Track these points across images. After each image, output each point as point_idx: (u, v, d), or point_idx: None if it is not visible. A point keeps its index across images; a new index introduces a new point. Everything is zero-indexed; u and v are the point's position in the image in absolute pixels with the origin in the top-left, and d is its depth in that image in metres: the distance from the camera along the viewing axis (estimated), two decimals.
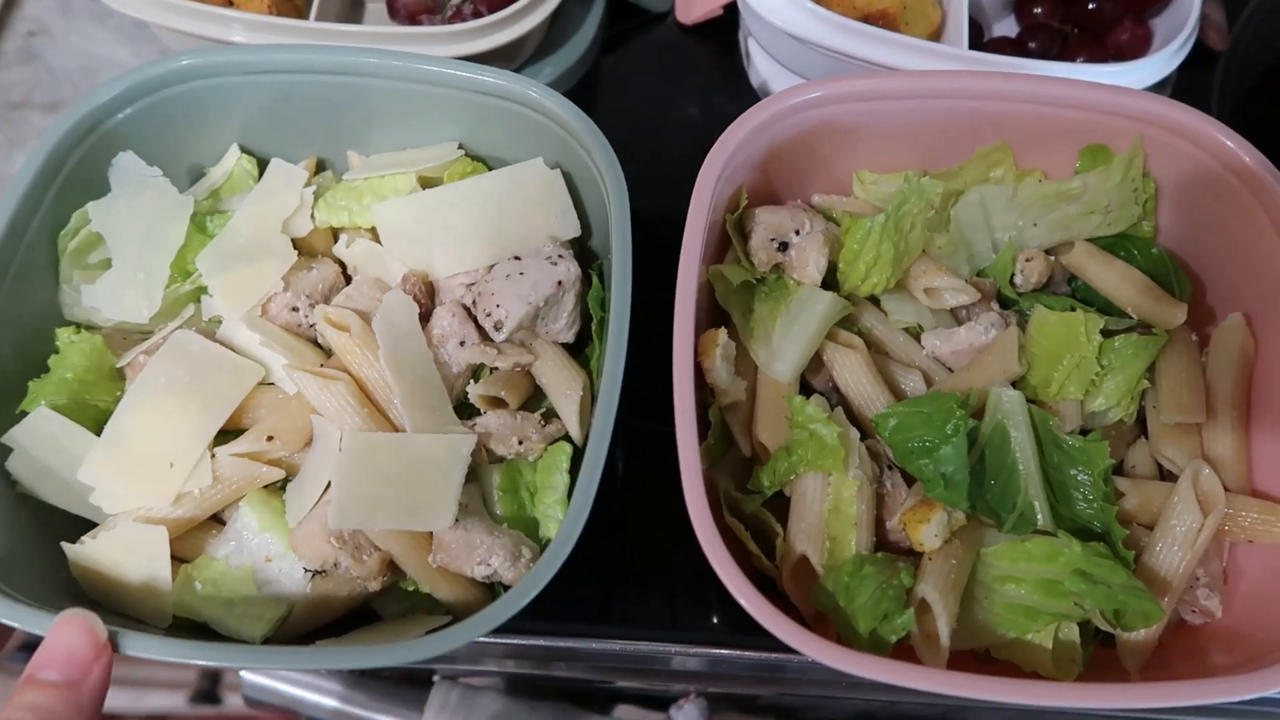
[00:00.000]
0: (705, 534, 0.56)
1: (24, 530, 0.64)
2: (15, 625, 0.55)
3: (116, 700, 1.75)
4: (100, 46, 1.00)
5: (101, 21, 1.00)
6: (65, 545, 0.62)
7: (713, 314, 0.71)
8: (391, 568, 0.64)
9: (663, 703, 0.89)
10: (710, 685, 0.87)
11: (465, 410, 0.68)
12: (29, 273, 0.67)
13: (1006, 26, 0.92)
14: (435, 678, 0.87)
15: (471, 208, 0.70)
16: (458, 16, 0.88)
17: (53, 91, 0.97)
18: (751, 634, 0.78)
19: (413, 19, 0.90)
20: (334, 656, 0.57)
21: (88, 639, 0.52)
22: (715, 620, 0.78)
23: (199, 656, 0.55)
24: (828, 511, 0.63)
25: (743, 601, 0.55)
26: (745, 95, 0.96)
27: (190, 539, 0.65)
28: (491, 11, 0.84)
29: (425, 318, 0.68)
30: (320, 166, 0.78)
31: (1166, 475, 0.68)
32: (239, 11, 0.82)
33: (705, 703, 0.88)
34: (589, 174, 0.69)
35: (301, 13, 0.89)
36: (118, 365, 0.68)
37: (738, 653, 0.77)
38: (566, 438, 0.67)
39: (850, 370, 0.67)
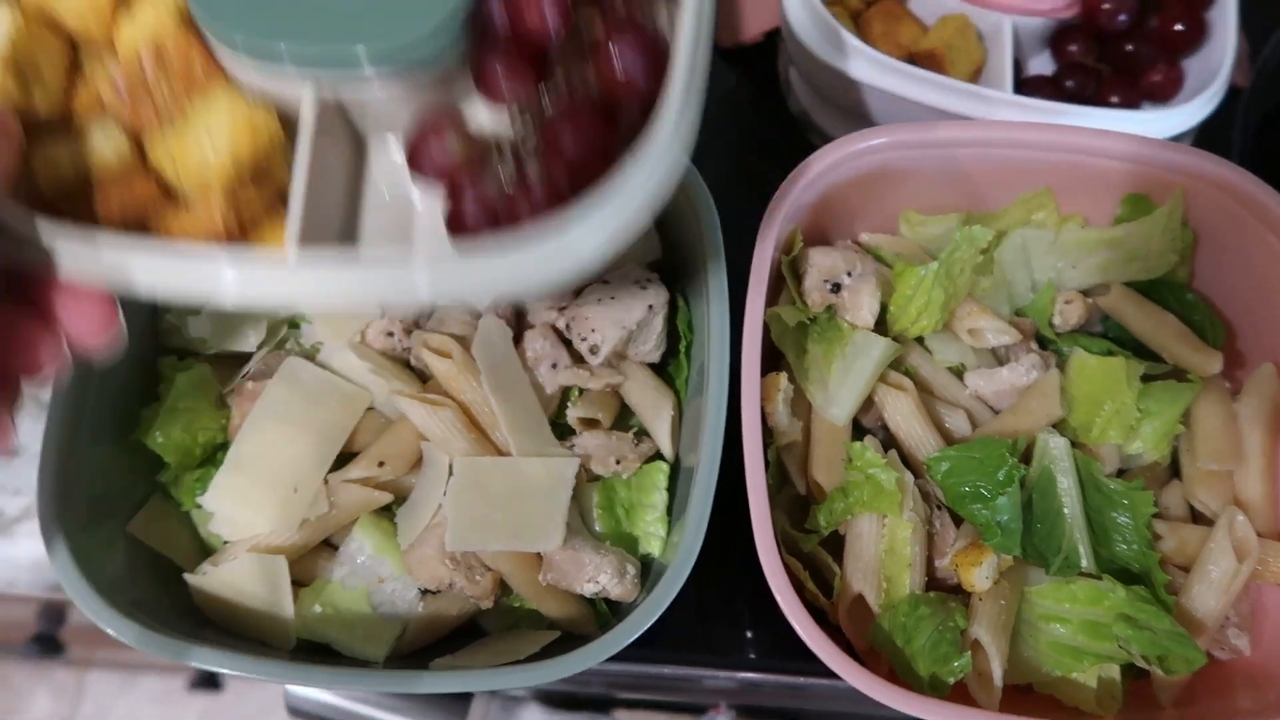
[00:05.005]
0: (777, 582, 0.59)
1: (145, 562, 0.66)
2: (164, 657, 0.57)
3: (108, 684, 1.76)
4: None
5: None
6: (187, 576, 0.64)
7: (766, 353, 0.73)
8: (500, 585, 0.66)
9: (692, 711, 0.92)
10: (739, 699, 0.90)
11: (557, 431, 0.69)
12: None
13: (1041, 62, 0.94)
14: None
15: None
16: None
17: None
18: (783, 658, 0.83)
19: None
20: (477, 678, 0.58)
21: None
22: (750, 637, 0.82)
23: (347, 683, 0.61)
24: (883, 553, 0.65)
25: (818, 650, 0.58)
26: (783, 120, 0.97)
27: (304, 563, 0.67)
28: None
29: (515, 341, 0.70)
30: None
31: (1199, 516, 0.72)
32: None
33: (734, 714, 0.91)
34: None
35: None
36: (222, 392, 0.69)
37: (770, 676, 0.80)
38: (658, 455, 0.70)
39: (901, 412, 0.70)
